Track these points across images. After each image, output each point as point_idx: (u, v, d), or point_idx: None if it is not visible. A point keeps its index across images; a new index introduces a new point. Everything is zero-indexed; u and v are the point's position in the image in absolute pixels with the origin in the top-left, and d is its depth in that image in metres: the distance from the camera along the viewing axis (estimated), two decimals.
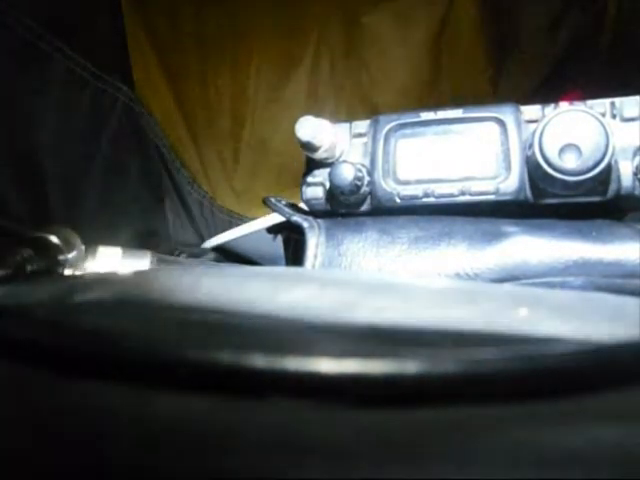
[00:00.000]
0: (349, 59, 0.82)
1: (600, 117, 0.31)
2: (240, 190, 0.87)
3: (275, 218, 0.46)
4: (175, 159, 0.81)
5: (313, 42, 0.81)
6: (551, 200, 0.33)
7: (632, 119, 0.33)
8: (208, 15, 0.78)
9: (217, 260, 0.69)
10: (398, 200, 0.36)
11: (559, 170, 0.31)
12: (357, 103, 0.83)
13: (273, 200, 0.40)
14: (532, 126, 0.33)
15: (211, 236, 0.68)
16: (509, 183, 0.34)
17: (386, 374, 0.12)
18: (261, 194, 0.42)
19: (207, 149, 0.84)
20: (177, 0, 0.76)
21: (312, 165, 0.38)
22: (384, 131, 0.37)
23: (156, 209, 0.77)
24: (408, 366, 0.12)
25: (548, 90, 0.77)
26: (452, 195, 0.35)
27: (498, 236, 0.32)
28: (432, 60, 0.80)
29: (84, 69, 0.63)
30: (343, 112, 0.82)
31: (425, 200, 0.35)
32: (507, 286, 0.29)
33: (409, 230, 0.34)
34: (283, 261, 0.47)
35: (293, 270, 0.34)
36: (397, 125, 0.37)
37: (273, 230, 0.48)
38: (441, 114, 0.36)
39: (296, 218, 0.37)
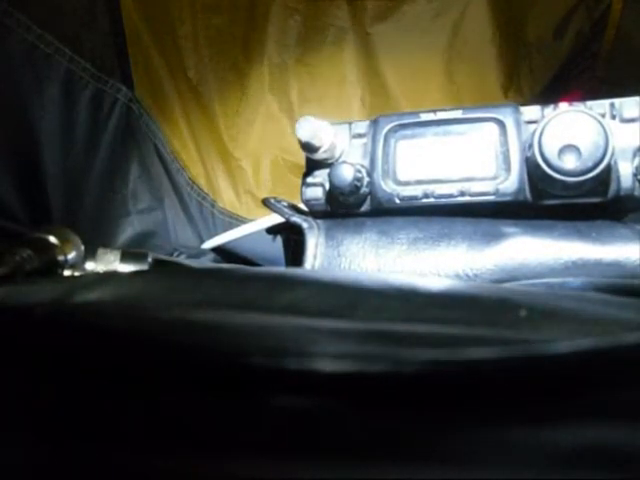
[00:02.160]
0: (361, 68, 0.82)
1: (600, 118, 0.31)
2: (241, 191, 0.87)
3: (275, 219, 0.46)
4: (174, 160, 0.81)
5: (318, 49, 0.82)
6: (551, 201, 0.33)
7: (632, 120, 0.33)
8: (209, 17, 0.78)
9: (216, 261, 0.69)
10: (398, 201, 0.36)
11: (559, 171, 0.31)
12: (367, 110, 0.83)
13: (273, 201, 0.40)
14: (532, 127, 0.33)
15: (211, 237, 0.68)
16: (509, 184, 0.34)
17: (385, 374, 0.12)
18: (261, 195, 0.42)
19: (208, 150, 0.84)
20: (178, 0, 0.76)
21: (312, 165, 0.38)
22: (384, 132, 0.37)
23: (156, 209, 0.77)
24: (407, 366, 0.12)
25: (552, 92, 0.77)
26: (452, 196, 0.35)
27: (498, 237, 0.33)
28: (444, 69, 0.80)
29: (84, 70, 0.63)
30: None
31: (425, 201, 0.35)
32: (507, 286, 0.29)
33: (409, 231, 0.34)
34: (283, 261, 0.47)
35: (293, 270, 0.33)
36: (397, 126, 0.37)
37: (273, 231, 0.48)
38: (441, 115, 0.36)
39: (295, 219, 0.37)
